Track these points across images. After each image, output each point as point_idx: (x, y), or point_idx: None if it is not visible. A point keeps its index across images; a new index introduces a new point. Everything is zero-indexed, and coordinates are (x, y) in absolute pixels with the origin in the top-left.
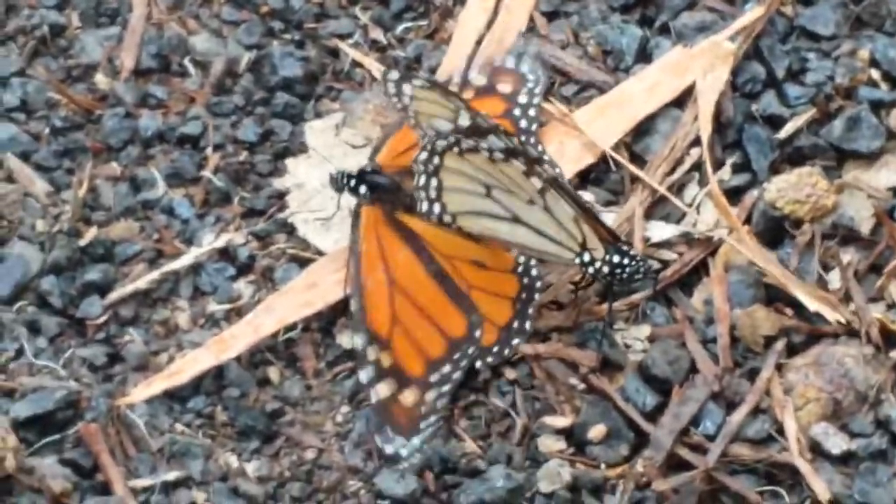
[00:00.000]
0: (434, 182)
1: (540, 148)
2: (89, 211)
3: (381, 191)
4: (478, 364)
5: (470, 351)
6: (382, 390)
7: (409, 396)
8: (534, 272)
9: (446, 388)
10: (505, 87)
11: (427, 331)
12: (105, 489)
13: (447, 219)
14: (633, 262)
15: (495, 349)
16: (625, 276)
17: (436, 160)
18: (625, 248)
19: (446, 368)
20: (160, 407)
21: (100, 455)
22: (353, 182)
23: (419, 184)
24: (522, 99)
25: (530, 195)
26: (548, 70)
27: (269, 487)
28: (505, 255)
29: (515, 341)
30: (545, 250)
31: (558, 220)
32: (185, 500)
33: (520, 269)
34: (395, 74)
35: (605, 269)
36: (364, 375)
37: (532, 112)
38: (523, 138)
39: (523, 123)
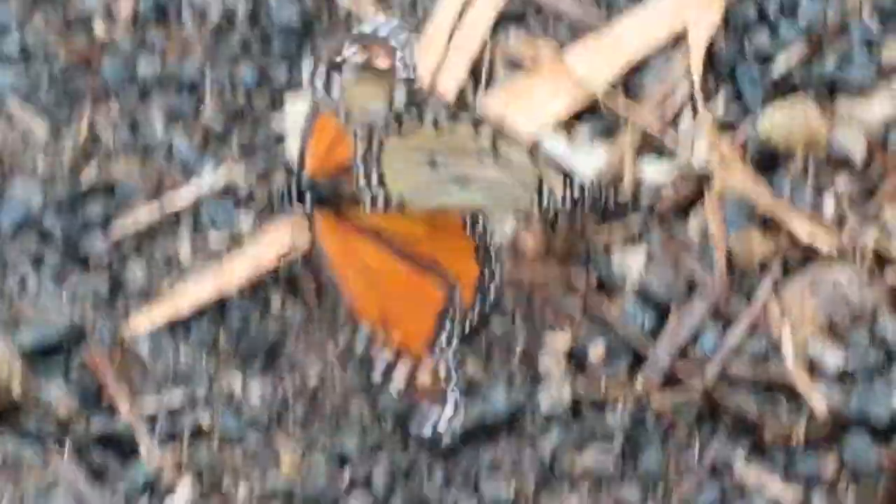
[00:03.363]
0: (375, 173)
1: None
2: (90, 151)
3: (324, 196)
4: (468, 325)
5: (457, 315)
6: (399, 376)
7: (424, 375)
8: (481, 218)
9: (450, 354)
10: (382, 62)
11: (415, 308)
12: (111, 413)
13: (395, 204)
14: (594, 182)
15: (477, 305)
16: (589, 197)
17: (375, 149)
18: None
19: (444, 337)
20: (163, 334)
21: (105, 380)
22: (295, 195)
23: (360, 180)
24: (402, 74)
25: (480, 150)
26: (406, 30)
27: (273, 409)
28: (452, 215)
29: (492, 289)
30: (504, 202)
31: (514, 166)
32: (190, 422)
33: (468, 220)
34: (321, 70)
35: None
36: (376, 374)
37: (415, 86)
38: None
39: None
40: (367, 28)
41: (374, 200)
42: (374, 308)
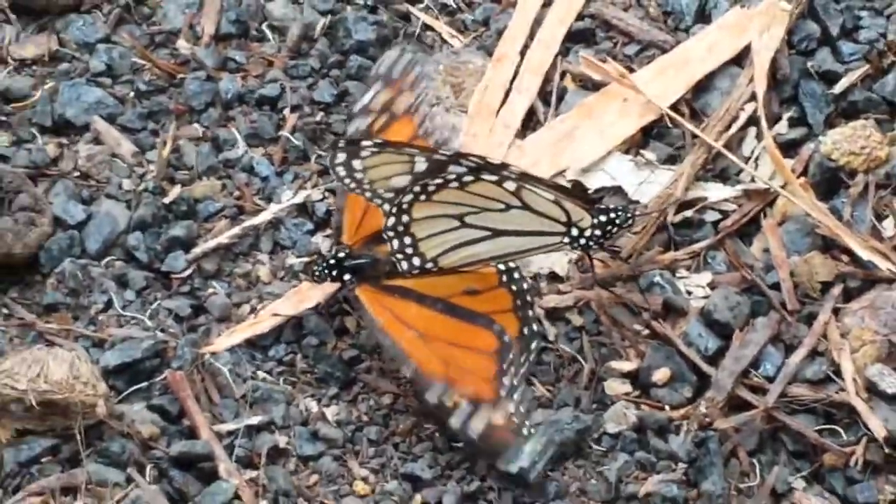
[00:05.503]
0: (408, 240)
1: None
2: (173, 170)
3: (362, 270)
4: (521, 370)
5: (513, 354)
6: (478, 424)
7: (498, 417)
8: (516, 275)
9: (518, 393)
10: (404, 100)
11: (474, 357)
12: (191, 434)
13: (429, 266)
14: (620, 213)
15: (522, 358)
16: (616, 229)
17: (404, 218)
18: (603, 205)
19: (507, 379)
20: (242, 355)
21: (185, 401)
22: (335, 272)
23: (394, 248)
24: (424, 110)
25: (505, 202)
26: (419, 63)
27: (348, 431)
28: (488, 273)
29: (534, 344)
30: (533, 247)
31: (539, 212)
32: (268, 443)
33: (504, 279)
34: (341, 157)
35: (598, 233)
36: (456, 421)
37: (438, 119)
38: (444, 149)
39: (437, 135)
40: (382, 69)
41: (409, 265)
42: (440, 367)
